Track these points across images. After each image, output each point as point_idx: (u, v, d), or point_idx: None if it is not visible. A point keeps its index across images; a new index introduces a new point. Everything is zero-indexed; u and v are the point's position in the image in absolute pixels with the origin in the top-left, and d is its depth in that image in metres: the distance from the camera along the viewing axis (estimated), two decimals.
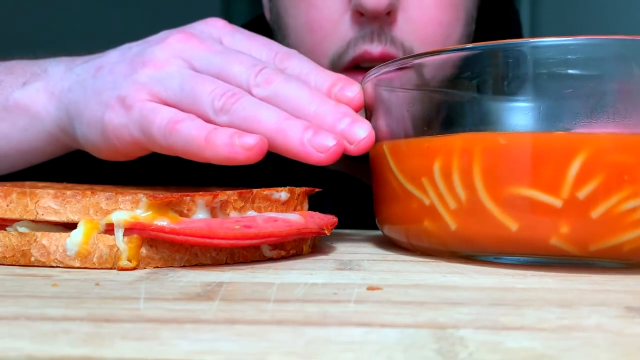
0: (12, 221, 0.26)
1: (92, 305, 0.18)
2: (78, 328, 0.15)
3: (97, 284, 0.21)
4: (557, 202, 0.25)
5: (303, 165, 0.52)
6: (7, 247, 0.26)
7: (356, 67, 0.47)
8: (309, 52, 0.50)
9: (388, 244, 0.36)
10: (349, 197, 0.50)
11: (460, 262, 0.28)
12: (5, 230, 0.26)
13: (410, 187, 0.30)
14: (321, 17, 0.48)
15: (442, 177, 0.28)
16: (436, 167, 0.28)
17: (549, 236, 0.25)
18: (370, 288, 0.21)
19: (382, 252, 0.32)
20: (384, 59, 0.46)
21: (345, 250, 0.32)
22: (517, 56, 0.27)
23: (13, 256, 0.25)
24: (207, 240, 0.25)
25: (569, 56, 0.26)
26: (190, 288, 0.21)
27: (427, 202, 0.29)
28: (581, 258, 0.25)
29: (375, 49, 0.45)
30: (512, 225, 0.26)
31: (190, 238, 0.25)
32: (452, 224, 0.28)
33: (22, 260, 0.25)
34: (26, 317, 0.16)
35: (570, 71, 0.26)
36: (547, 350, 0.14)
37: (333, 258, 0.29)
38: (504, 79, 0.28)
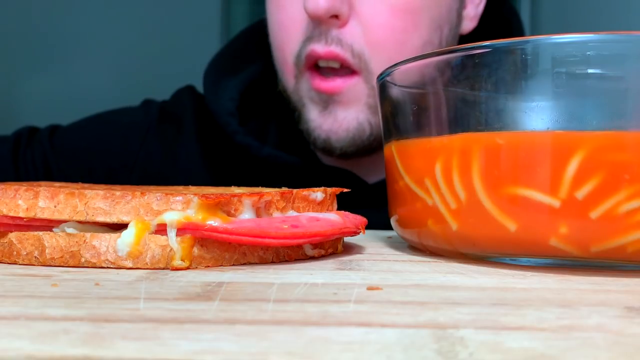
0: (59, 222, 0.26)
1: (92, 305, 0.18)
2: (78, 328, 0.15)
3: (97, 284, 0.21)
4: (555, 202, 0.25)
5: (305, 162, 0.53)
6: (55, 249, 0.25)
7: (316, 67, 0.50)
8: (279, 51, 0.53)
9: (389, 243, 0.36)
10: (349, 195, 0.50)
11: (461, 262, 0.28)
12: (51, 231, 0.26)
13: (415, 187, 0.30)
14: (286, 18, 0.51)
15: (443, 177, 0.28)
16: (437, 168, 0.28)
17: (548, 237, 0.25)
18: (371, 288, 0.21)
19: (382, 252, 0.32)
20: (329, 58, 0.48)
21: (345, 250, 0.32)
22: (518, 55, 0.27)
23: (62, 257, 0.25)
24: (259, 240, 0.26)
25: (570, 55, 0.26)
26: (190, 288, 0.21)
27: (430, 202, 0.29)
28: (583, 259, 0.25)
29: (321, 48, 0.48)
30: (511, 225, 0.26)
31: (242, 237, 0.25)
32: (454, 224, 0.28)
33: (72, 261, 0.25)
34: (26, 317, 0.16)
35: (569, 70, 0.26)
36: (547, 350, 0.14)
37: (333, 258, 0.30)
38: (505, 79, 0.28)
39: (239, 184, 0.54)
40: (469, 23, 0.55)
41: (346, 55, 0.48)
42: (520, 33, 0.57)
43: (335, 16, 0.47)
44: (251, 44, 0.61)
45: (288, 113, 0.59)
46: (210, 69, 0.58)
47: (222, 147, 0.57)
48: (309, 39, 0.48)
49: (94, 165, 0.59)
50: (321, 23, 0.47)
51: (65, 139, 0.61)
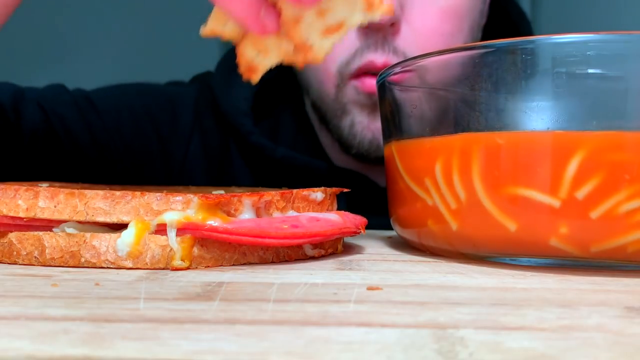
0: (59, 222, 0.26)
1: (92, 305, 0.18)
2: (78, 328, 0.15)
3: (97, 284, 0.21)
4: (555, 202, 0.25)
5: (318, 163, 0.53)
6: (54, 249, 0.25)
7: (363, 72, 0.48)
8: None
9: (389, 243, 0.36)
10: (361, 196, 0.50)
11: (461, 262, 0.28)
12: (51, 231, 0.26)
13: (414, 187, 0.30)
14: None
15: (443, 177, 0.28)
16: (437, 168, 0.28)
17: (548, 237, 0.25)
18: (371, 288, 0.21)
19: (382, 252, 0.32)
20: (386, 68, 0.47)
21: (345, 250, 0.32)
22: (518, 55, 0.27)
23: (61, 257, 0.25)
24: (259, 240, 0.26)
25: (570, 55, 0.26)
26: (190, 288, 0.21)
27: (430, 202, 0.29)
28: (583, 259, 0.25)
29: (379, 58, 0.47)
30: (511, 225, 0.26)
31: (242, 237, 0.25)
32: (454, 224, 0.28)
33: (72, 261, 0.25)
34: (26, 317, 0.16)
35: (569, 70, 0.26)
36: (547, 350, 0.14)
37: (333, 258, 0.29)
38: (505, 79, 0.28)
39: (253, 182, 0.53)
40: (484, 19, 0.55)
41: None
42: (527, 26, 0.57)
43: (392, 23, 0.46)
44: None
45: (299, 113, 0.59)
46: (221, 68, 0.57)
47: (238, 143, 0.56)
48: (363, 49, 0.47)
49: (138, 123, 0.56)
50: (379, 31, 0.46)
51: (102, 93, 0.58)
